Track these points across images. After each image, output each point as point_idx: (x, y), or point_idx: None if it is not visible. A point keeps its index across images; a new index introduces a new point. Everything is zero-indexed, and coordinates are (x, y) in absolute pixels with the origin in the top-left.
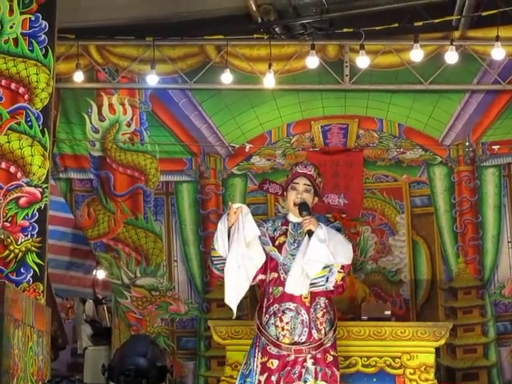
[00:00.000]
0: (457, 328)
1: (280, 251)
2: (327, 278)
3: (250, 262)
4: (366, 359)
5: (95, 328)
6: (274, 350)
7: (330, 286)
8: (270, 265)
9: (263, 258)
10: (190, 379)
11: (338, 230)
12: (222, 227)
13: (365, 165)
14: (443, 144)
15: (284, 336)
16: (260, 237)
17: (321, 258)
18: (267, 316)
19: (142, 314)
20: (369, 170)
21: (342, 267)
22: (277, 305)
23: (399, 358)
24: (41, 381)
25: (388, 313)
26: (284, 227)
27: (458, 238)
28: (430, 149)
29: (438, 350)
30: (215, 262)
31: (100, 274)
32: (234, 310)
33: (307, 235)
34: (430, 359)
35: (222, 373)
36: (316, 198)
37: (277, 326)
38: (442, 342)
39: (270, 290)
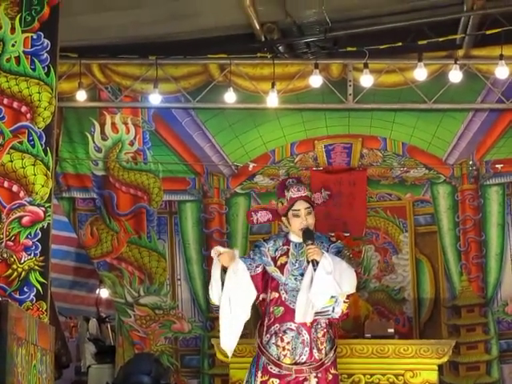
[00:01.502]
0: (460, 346)
1: (282, 271)
2: (333, 309)
3: (242, 301)
4: (369, 377)
5: (99, 346)
6: (274, 370)
7: (336, 315)
8: (271, 284)
9: (253, 294)
10: None
11: (340, 249)
12: (214, 275)
13: (368, 184)
14: (447, 163)
15: (285, 356)
16: (252, 268)
17: (328, 290)
18: (268, 335)
19: (146, 332)
20: (372, 189)
21: (348, 296)
22: (278, 324)
23: (402, 375)
24: None
25: (391, 331)
26: (285, 247)
27: (461, 256)
28: (433, 167)
29: (440, 367)
30: (215, 309)
31: (103, 293)
32: (229, 354)
33: (311, 264)
34: (433, 376)
35: None
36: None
37: (278, 346)
38: (445, 359)
39: (271, 310)
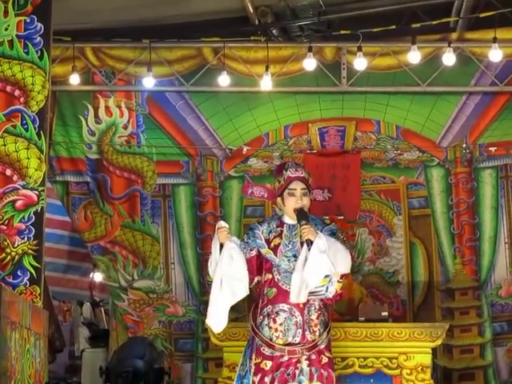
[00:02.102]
0: (453, 329)
1: (275, 253)
2: (327, 288)
3: (235, 280)
4: (363, 360)
5: (93, 330)
6: (267, 351)
7: (330, 295)
8: (265, 266)
9: (246, 276)
10: (187, 381)
11: (334, 232)
12: (214, 250)
13: (362, 167)
14: (440, 146)
15: (277, 337)
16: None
17: (322, 269)
18: (261, 317)
19: (140, 316)
20: (366, 172)
21: (342, 276)
22: (270, 306)
23: (396, 358)
24: (38, 383)
25: (385, 314)
26: (279, 229)
27: (455, 239)
28: (427, 150)
29: (434, 350)
30: (209, 285)
31: (97, 277)
32: (215, 330)
33: (306, 244)
34: (427, 360)
35: (220, 374)
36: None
37: (270, 327)
38: (439, 342)
39: (265, 291)
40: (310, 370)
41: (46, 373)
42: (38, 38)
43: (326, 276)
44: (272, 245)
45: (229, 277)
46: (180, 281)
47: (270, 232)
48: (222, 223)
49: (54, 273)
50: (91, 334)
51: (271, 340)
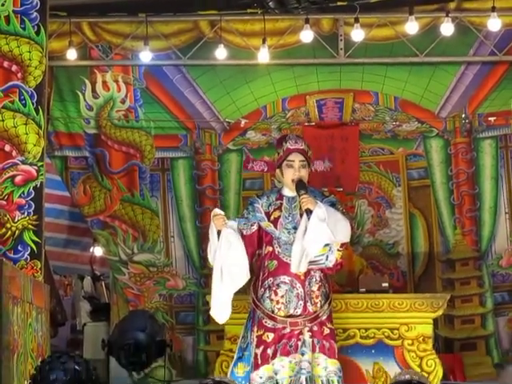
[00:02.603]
0: (454, 299)
1: (275, 226)
2: (327, 257)
3: (235, 267)
4: (364, 331)
5: (94, 304)
6: (269, 323)
7: (330, 264)
8: (265, 239)
9: (246, 260)
10: (189, 354)
11: (333, 204)
12: (211, 237)
13: (361, 138)
14: (439, 116)
15: (279, 309)
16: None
17: (321, 237)
18: (262, 289)
19: (140, 289)
20: (365, 144)
21: (342, 245)
22: (271, 278)
23: (397, 329)
24: (41, 357)
25: (386, 285)
26: (278, 201)
27: (455, 209)
28: (426, 121)
29: (435, 320)
30: None
31: (97, 251)
32: (220, 322)
33: (305, 214)
34: (428, 330)
35: (221, 347)
36: (308, 170)
37: (272, 300)
38: (440, 312)
39: (266, 264)
40: (313, 342)
41: (49, 347)
42: (35, 14)
43: (326, 245)
44: (272, 218)
45: (229, 264)
46: (180, 254)
47: (270, 205)
48: (217, 211)
49: (54, 247)
50: (92, 308)
51: (273, 312)
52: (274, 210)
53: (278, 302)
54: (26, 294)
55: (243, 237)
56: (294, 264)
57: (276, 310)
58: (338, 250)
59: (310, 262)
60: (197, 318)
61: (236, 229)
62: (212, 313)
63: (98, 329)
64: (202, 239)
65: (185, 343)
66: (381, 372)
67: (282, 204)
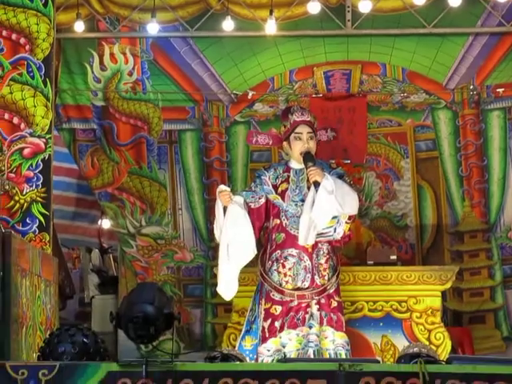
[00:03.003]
0: (463, 272)
1: (283, 198)
2: (335, 229)
3: (242, 244)
4: (372, 304)
5: (102, 277)
6: (277, 296)
7: (338, 236)
8: (272, 212)
9: (252, 236)
10: (197, 326)
11: (341, 176)
12: (217, 214)
13: (368, 110)
14: (447, 88)
15: (287, 282)
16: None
17: (329, 209)
18: (270, 262)
19: (148, 262)
20: (372, 115)
21: (350, 217)
22: (279, 251)
23: (405, 302)
24: (49, 329)
25: (394, 257)
26: (286, 174)
27: (463, 181)
28: (434, 93)
29: (444, 293)
30: None
31: (105, 224)
32: (227, 299)
33: (313, 186)
34: (437, 303)
35: (229, 319)
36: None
37: (279, 272)
38: (448, 285)
39: (273, 237)
40: (320, 315)
41: (57, 319)
42: None
43: (334, 217)
44: (279, 190)
45: (235, 241)
46: (188, 226)
47: (277, 177)
48: (222, 187)
49: (62, 220)
50: (100, 281)
51: (280, 285)
52: (282, 182)
53: (285, 275)
54: (35, 267)
55: (251, 210)
56: (301, 236)
57: (284, 283)
58: (346, 223)
59: (318, 235)
60: (205, 290)
61: (242, 204)
62: (218, 289)
63: (106, 302)
64: (210, 211)
65: (193, 316)
66: (389, 345)
67: (289, 176)
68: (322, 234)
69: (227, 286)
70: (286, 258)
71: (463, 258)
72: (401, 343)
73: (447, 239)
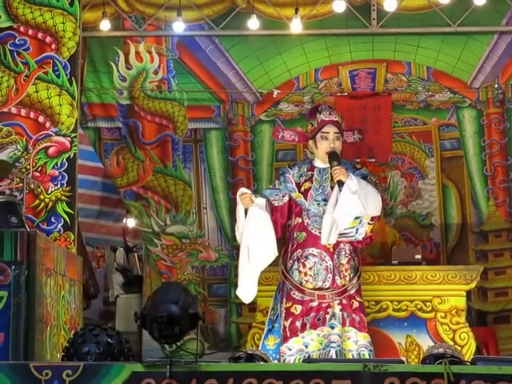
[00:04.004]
0: (488, 271)
1: (305, 197)
2: (357, 230)
3: (262, 247)
4: (396, 303)
5: (126, 276)
6: (297, 295)
7: (360, 237)
8: (294, 210)
9: (273, 238)
10: (221, 326)
11: (365, 176)
12: (238, 216)
13: (393, 109)
14: (472, 86)
15: (307, 281)
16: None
17: (352, 210)
18: (291, 261)
19: (173, 261)
20: (397, 114)
21: (372, 219)
22: (300, 250)
23: (430, 301)
24: (73, 329)
25: (418, 257)
26: (310, 173)
27: (488, 180)
28: (458, 91)
29: (468, 293)
30: None
31: (130, 223)
32: (246, 302)
33: (337, 185)
34: (461, 302)
35: (254, 319)
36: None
37: (300, 272)
38: (473, 285)
39: (295, 235)
40: (343, 315)
41: (81, 319)
42: None
43: (357, 218)
44: (302, 189)
45: (255, 244)
46: (212, 226)
47: (301, 176)
48: (243, 190)
49: (87, 219)
50: (125, 280)
51: (301, 284)
52: (305, 180)
53: (306, 274)
54: (60, 266)
55: (274, 208)
56: (323, 236)
57: (304, 282)
58: (369, 224)
59: (340, 235)
60: (229, 290)
61: (264, 206)
62: (238, 292)
63: (130, 301)
64: (235, 211)
65: (217, 315)
66: (413, 345)
67: (312, 175)
68: (344, 234)
69: (247, 288)
70: (306, 257)
71: (488, 258)
72: (425, 343)
73: (472, 238)
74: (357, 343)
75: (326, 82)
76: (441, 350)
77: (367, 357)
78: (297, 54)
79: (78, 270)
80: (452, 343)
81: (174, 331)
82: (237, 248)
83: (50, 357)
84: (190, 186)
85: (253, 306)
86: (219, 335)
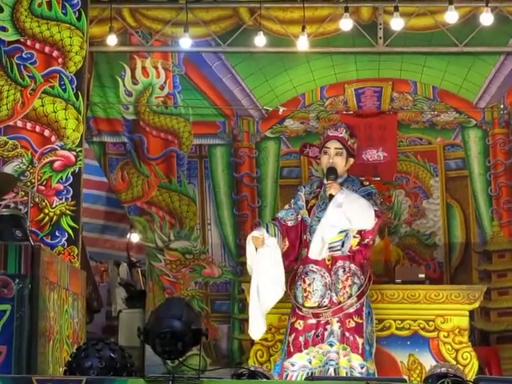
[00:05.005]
0: (491, 291)
1: (309, 214)
2: (343, 243)
3: (272, 285)
4: (399, 322)
5: (129, 291)
6: (300, 312)
7: (346, 250)
8: (303, 227)
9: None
10: (224, 342)
11: (370, 193)
12: (248, 250)
13: (399, 128)
14: (478, 107)
15: (306, 297)
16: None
17: (335, 222)
18: (296, 277)
19: (176, 277)
20: (403, 133)
21: (359, 232)
22: (302, 266)
23: (433, 321)
24: (76, 343)
25: (422, 276)
26: (318, 190)
27: (492, 201)
28: (464, 111)
29: (472, 313)
30: None
31: (134, 238)
32: (255, 338)
33: (328, 199)
34: (464, 322)
35: None
36: (351, 160)
37: (301, 287)
38: (476, 305)
39: (301, 252)
40: (341, 332)
41: (84, 333)
42: None
43: (343, 231)
44: (309, 206)
45: (264, 284)
46: (216, 242)
47: (311, 193)
48: (255, 233)
49: (91, 233)
50: (128, 295)
51: (302, 300)
52: (312, 198)
53: (305, 290)
54: (63, 280)
55: (288, 228)
56: (312, 249)
57: (303, 299)
58: (354, 237)
59: (328, 248)
60: (232, 306)
61: (276, 245)
62: (250, 331)
63: (133, 316)
64: (239, 227)
65: (220, 332)
66: (416, 364)
67: (319, 192)
68: (331, 247)
69: (257, 325)
70: (306, 273)
71: (491, 278)
72: (428, 362)
73: (475, 258)
74: (350, 362)
75: (332, 99)
76: (443, 370)
77: None
78: (303, 71)
79: (81, 284)
80: (454, 363)
81: (176, 347)
82: (240, 264)
83: (53, 371)
84: (195, 201)
85: None
86: (221, 351)
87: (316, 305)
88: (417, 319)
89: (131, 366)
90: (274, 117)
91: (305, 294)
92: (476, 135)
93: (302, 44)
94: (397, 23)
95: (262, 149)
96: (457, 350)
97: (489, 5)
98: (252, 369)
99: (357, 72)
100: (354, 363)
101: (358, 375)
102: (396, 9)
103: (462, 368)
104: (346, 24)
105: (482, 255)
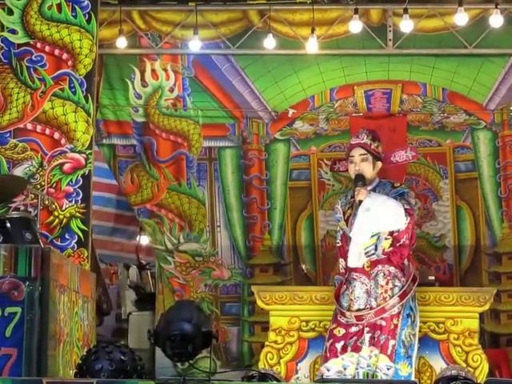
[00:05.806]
0: (501, 293)
1: (347, 224)
2: (376, 246)
3: None
4: None
5: (139, 293)
6: (343, 319)
7: (380, 253)
8: (344, 240)
9: None
10: (233, 344)
11: (401, 194)
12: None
13: (408, 130)
14: (487, 108)
15: (349, 304)
16: None
17: (365, 226)
18: (343, 286)
19: (186, 279)
20: (412, 135)
21: (391, 234)
22: (347, 275)
23: (443, 323)
24: (86, 346)
25: (432, 278)
26: (352, 199)
27: (502, 202)
28: (474, 113)
29: (482, 315)
30: None
31: (144, 240)
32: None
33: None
34: (474, 324)
35: (266, 338)
36: (379, 163)
37: (347, 295)
38: (486, 307)
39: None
40: (371, 336)
41: (94, 336)
42: (86, 2)
43: (375, 235)
44: (346, 216)
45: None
46: (226, 244)
47: (346, 204)
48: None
49: (100, 236)
50: (138, 297)
51: (344, 307)
52: (348, 208)
53: (349, 298)
54: (73, 283)
55: (338, 249)
56: (350, 257)
57: (347, 305)
58: (386, 239)
59: (365, 254)
60: (242, 308)
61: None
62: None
63: (143, 318)
64: (248, 229)
65: (230, 334)
66: (426, 366)
67: (353, 202)
68: (367, 253)
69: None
70: (349, 281)
71: (501, 280)
72: (438, 365)
73: (485, 260)
74: (377, 363)
75: (342, 101)
76: (454, 372)
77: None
78: (312, 73)
79: (91, 286)
80: (465, 365)
81: (187, 349)
82: (250, 266)
83: (63, 373)
84: (204, 204)
85: (265, 325)
86: (231, 354)
87: (357, 309)
88: (427, 321)
89: (141, 369)
90: (284, 119)
91: (349, 302)
92: (486, 137)
93: (312, 46)
94: (406, 25)
95: (271, 151)
96: (467, 353)
97: (498, 7)
98: (262, 371)
99: (366, 74)
100: (381, 364)
101: (384, 377)
102: (405, 11)
103: (472, 370)
104: (356, 26)
105: (492, 257)
